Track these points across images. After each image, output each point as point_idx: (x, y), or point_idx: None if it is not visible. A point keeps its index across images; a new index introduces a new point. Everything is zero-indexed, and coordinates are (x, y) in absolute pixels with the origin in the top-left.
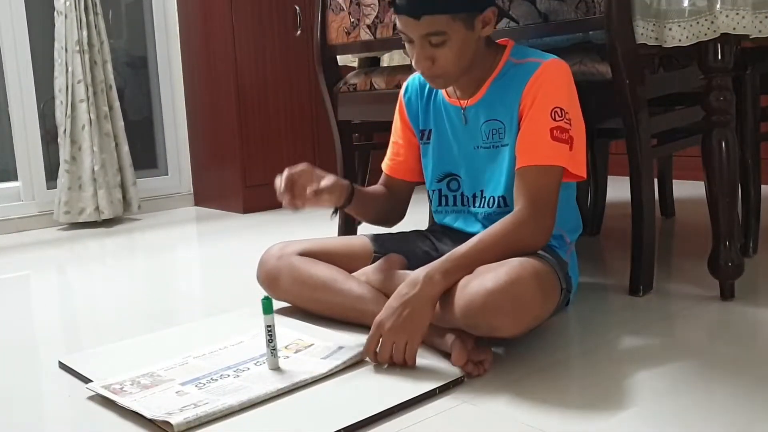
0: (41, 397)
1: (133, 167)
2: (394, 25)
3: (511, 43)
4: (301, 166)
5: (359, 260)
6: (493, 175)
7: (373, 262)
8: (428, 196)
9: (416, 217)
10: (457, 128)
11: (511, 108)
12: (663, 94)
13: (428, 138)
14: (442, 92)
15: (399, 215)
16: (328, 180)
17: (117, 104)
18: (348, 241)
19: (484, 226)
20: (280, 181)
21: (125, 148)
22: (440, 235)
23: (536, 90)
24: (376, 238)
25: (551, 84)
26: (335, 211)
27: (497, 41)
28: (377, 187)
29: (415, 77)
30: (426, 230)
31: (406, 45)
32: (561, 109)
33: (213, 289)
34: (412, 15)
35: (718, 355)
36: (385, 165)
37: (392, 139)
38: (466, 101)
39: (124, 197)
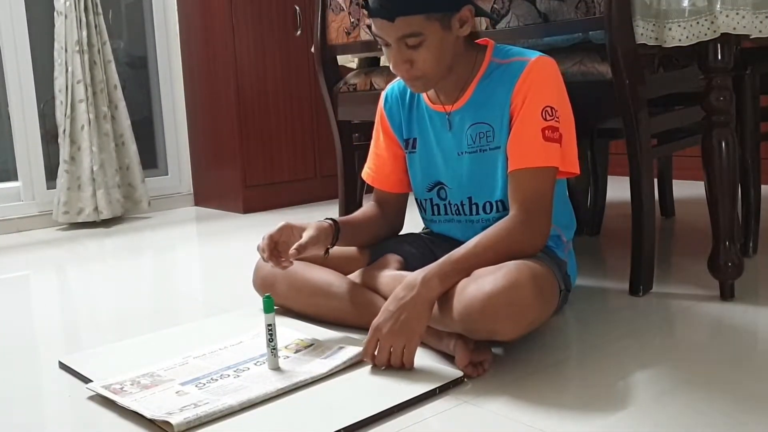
0: (41, 397)
1: (141, 165)
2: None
3: (491, 43)
4: (279, 225)
5: (355, 262)
6: (483, 179)
7: (369, 264)
8: (418, 205)
9: (412, 219)
10: (441, 135)
11: (500, 109)
12: (663, 94)
13: (413, 147)
14: (424, 99)
15: (397, 228)
16: (309, 232)
17: (123, 104)
18: None
19: None
20: (262, 245)
21: (133, 147)
22: (436, 237)
23: (526, 89)
24: None
25: (540, 83)
26: (326, 252)
27: (477, 41)
28: (367, 209)
29: (393, 86)
30: (421, 232)
31: (384, 49)
32: (551, 108)
33: (213, 289)
34: (386, 17)
35: (718, 355)
36: (367, 175)
37: (374, 150)
38: (450, 106)
39: (132, 195)
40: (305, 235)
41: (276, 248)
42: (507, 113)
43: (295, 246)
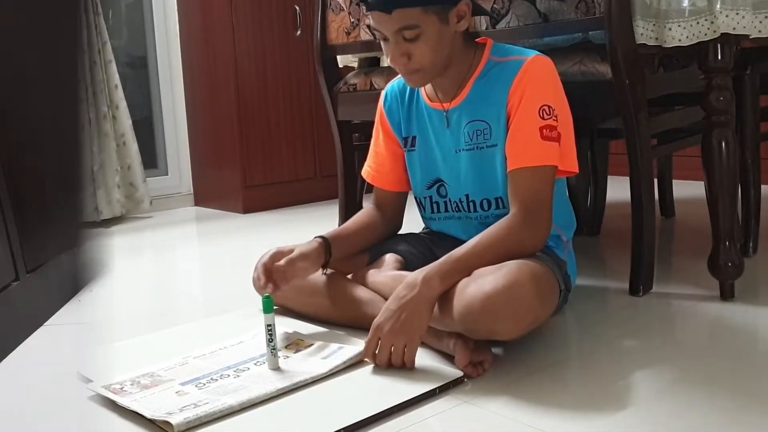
0: (41, 397)
1: (142, 165)
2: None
3: (490, 42)
4: (269, 252)
5: (355, 262)
6: (481, 177)
7: (369, 264)
8: (417, 203)
9: (412, 219)
10: (439, 132)
11: (497, 108)
12: (663, 94)
13: (413, 145)
14: (423, 97)
15: (396, 228)
16: (298, 250)
17: (124, 104)
18: None
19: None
20: (257, 274)
21: (134, 146)
22: (435, 236)
23: (523, 89)
24: None
25: (537, 82)
26: (324, 269)
27: (476, 40)
28: (360, 216)
29: (393, 85)
30: (421, 232)
31: (382, 44)
32: (549, 107)
33: (213, 289)
34: (384, 10)
35: (718, 355)
36: (367, 173)
37: (374, 149)
38: (448, 103)
39: (134, 195)
40: (295, 252)
41: (271, 275)
42: (504, 111)
43: (284, 260)
